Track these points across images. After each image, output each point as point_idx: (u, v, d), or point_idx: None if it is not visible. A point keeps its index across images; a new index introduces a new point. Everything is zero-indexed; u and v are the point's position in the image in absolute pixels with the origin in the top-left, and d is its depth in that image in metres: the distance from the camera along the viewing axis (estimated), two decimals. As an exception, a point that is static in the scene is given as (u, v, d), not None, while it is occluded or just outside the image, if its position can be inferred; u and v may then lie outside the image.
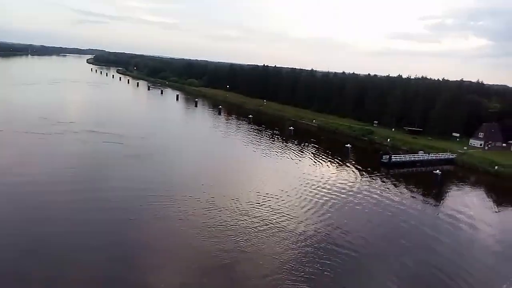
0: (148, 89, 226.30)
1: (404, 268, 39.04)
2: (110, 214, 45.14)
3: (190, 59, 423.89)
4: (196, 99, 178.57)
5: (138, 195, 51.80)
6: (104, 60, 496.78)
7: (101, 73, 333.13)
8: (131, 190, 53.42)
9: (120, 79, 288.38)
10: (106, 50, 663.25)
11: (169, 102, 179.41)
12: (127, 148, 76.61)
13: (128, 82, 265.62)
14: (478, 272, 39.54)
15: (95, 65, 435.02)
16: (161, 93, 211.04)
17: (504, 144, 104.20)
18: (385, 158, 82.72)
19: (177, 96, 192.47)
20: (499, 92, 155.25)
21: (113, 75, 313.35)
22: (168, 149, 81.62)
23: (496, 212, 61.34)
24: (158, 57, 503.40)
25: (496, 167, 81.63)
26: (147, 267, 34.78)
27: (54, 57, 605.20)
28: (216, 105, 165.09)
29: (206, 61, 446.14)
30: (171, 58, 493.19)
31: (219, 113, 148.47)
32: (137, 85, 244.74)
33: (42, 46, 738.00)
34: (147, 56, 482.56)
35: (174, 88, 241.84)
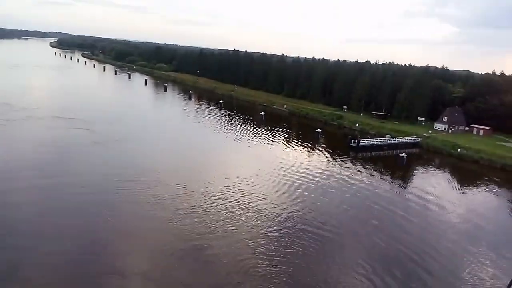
0: (115, 73, 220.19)
1: (375, 246, 40.37)
2: (78, 200, 44.16)
3: (158, 43, 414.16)
4: (166, 84, 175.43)
5: (108, 180, 50.92)
6: (68, 43, 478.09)
7: (65, 57, 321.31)
8: (100, 176, 52.40)
9: (85, 63, 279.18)
10: (71, 34, 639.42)
11: (138, 87, 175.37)
12: (95, 134, 74.72)
13: (94, 67, 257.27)
14: (443, 248, 41.42)
15: (59, 48, 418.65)
16: (129, 77, 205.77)
17: (466, 128, 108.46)
18: (354, 142, 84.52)
19: (146, 80, 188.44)
20: (462, 77, 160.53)
21: (78, 59, 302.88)
22: (137, 135, 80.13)
23: (459, 192, 64.09)
24: (125, 40, 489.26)
25: (459, 149, 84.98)
26: (117, 252, 34.48)
27: (15, 40, 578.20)
28: (186, 90, 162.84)
29: (176, 45, 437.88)
30: (139, 42, 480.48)
31: (190, 98, 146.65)
32: (104, 70, 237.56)
33: (1, 29, 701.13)
34: (113, 39, 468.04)
35: (142, 72, 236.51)
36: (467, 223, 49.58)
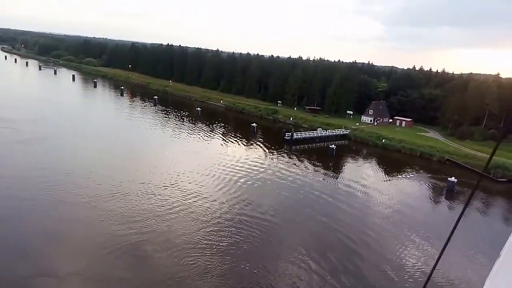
0: (40, 69, 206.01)
1: (309, 232, 42.78)
2: (3, 202, 41.63)
3: (87, 37, 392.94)
4: (95, 80, 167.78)
5: (36, 180, 48.33)
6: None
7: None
8: (27, 176, 49.56)
9: (5, 58, 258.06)
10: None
11: (64, 83, 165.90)
12: (18, 133, 70.18)
13: (16, 62, 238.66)
14: (372, 231, 44.82)
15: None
16: (55, 73, 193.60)
17: (390, 120, 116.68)
18: (288, 135, 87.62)
19: (73, 76, 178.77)
20: (386, 72, 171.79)
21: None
22: (66, 133, 76.36)
23: (384, 179, 69.30)
24: (50, 34, 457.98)
25: (383, 140, 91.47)
26: (49, 253, 33.26)
27: None
28: (118, 86, 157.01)
29: (106, 39, 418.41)
30: (65, 35, 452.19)
31: (122, 94, 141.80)
32: (26, 65, 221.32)
33: None
34: (37, 32, 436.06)
35: (69, 67, 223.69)
36: (391, 208, 53.99)
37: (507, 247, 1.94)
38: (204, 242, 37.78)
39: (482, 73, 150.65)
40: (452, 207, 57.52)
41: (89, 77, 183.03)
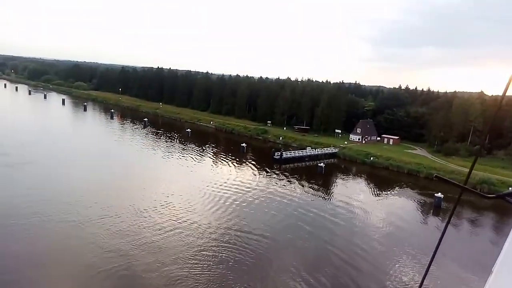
0: (29, 93, 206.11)
1: (305, 248, 43.59)
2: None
3: (77, 61, 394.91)
4: (85, 103, 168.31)
5: (25, 202, 48.08)
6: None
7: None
8: (16, 198, 49.22)
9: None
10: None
11: (54, 107, 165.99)
12: (7, 156, 69.97)
13: (5, 86, 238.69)
14: (366, 246, 45.60)
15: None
16: (45, 97, 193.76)
17: (378, 138, 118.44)
18: (277, 155, 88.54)
19: (63, 100, 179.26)
20: (373, 92, 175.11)
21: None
22: (56, 156, 76.16)
23: (373, 195, 70.33)
24: (40, 59, 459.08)
25: (371, 158, 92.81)
26: (37, 277, 33.21)
27: None
28: (108, 109, 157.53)
29: (96, 63, 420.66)
30: (55, 60, 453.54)
31: (112, 117, 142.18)
32: (16, 90, 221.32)
33: None
34: (26, 57, 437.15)
35: (59, 92, 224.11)
36: (380, 225, 54.62)
37: (498, 264, 1.91)
38: (195, 261, 37.90)
39: (466, 91, 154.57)
40: (439, 223, 58.29)
41: (79, 101, 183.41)
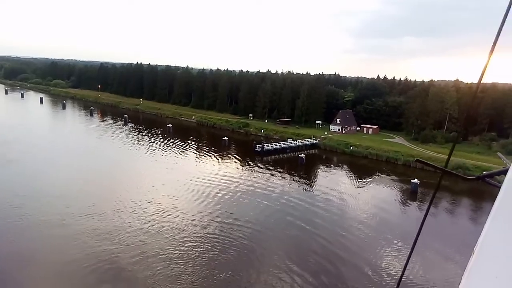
0: (6, 93, 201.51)
1: (289, 237, 44.68)
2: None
3: (55, 59, 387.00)
4: (64, 101, 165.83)
5: (5, 202, 47.96)
6: None
7: None
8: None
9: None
10: None
11: (32, 106, 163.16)
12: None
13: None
14: (348, 233, 47.07)
15: None
16: (22, 96, 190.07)
17: (358, 128, 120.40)
18: (258, 147, 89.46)
19: (41, 98, 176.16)
20: (353, 83, 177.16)
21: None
22: (35, 154, 75.31)
23: (352, 184, 71.86)
24: (17, 57, 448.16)
25: (351, 147, 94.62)
26: (21, 279, 33.40)
27: None
28: (87, 107, 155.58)
29: (74, 60, 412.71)
30: (32, 58, 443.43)
31: (91, 115, 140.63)
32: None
33: None
34: (2, 56, 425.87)
35: (37, 90, 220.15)
36: (359, 209, 56.33)
37: (479, 244, 1.93)
38: (180, 253, 38.69)
39: (443, 80, 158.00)
40: (416, 207, 60.34)
41: (58, 99, 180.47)
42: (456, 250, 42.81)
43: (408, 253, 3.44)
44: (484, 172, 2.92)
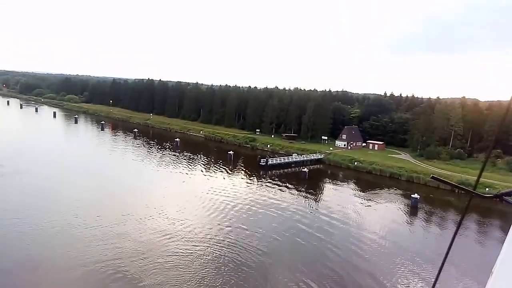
0: (21, 107, 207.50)
1: (299, 248, 46.22)
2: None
3: (69, 74, 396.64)
4: (76, 116, 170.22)
5: (18, 212, 50.06)
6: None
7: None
8: (7, 209, 51.20)
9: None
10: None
11: (46, 120, 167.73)
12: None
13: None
14: (363, 245, 48.42)
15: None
16: (36, 110, 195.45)
17: (364, 144, 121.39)
18: (263, 161, 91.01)
19: (54, 113, 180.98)
20: (360, 99, 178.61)
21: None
22: (46, 167, 77.97)
23: (354, 199, 72.68)
24: (32, 73, 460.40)
25: (355, 163, 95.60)
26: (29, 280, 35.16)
27: None
28: (99, 121, 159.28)
29: (88, 75, 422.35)
30: (47, 74, 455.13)
31: (102, 129, 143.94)
32: (8, 104, 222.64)
33: None
34: (19, 72, 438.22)
35: (51, 105, 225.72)
36: (360, 223, 57.18)
37: (498, 264, 1.88)
38: (187, 261, 40.07)
39: (449, 97, 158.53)
40: (414, 222, 61.01)
41: (71, 114, 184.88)
42: (470, 272, 42.10)
43: (435, 276, 3.34)
44: (501, 191, 2.72)
